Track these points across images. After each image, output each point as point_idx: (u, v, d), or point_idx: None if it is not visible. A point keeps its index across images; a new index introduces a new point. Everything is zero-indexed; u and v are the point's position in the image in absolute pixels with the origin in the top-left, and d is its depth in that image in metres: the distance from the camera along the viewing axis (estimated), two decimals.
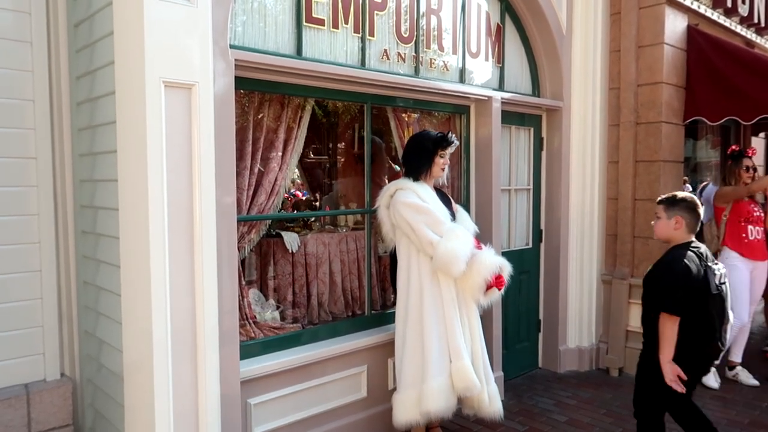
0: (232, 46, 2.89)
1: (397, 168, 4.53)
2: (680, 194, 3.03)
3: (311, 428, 3.39)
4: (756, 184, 4.67)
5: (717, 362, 3.07)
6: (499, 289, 3.32)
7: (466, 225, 3.48)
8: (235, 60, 2.88)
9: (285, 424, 3.27)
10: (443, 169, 3.51)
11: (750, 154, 4.78)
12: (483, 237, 3.75)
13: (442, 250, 3.17)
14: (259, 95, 3.37)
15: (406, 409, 3.26)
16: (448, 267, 3.18)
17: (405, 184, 3.38)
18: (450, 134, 3.47)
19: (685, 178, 6.73)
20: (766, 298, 5.33)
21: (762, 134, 7.08)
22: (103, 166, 2.78)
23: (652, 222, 3.17)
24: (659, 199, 3.11)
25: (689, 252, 2.85)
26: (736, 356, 4.82)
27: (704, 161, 7.06)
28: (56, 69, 2.99)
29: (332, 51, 3.48)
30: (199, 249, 2.56)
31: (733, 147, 4.98)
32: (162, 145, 2.39)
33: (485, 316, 3.58)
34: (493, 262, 3.28)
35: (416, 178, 3.42)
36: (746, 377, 4.76)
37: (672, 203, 2.99)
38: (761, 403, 4.36)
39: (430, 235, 3.21)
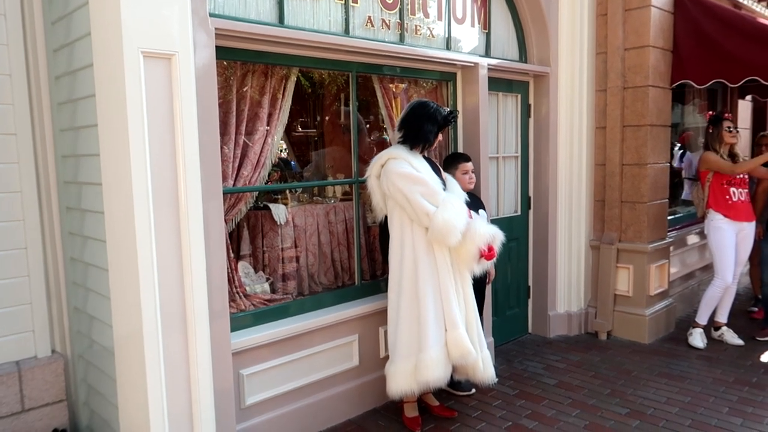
0: (212, 15, 2.83)
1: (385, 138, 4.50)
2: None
3: (305, 397, 3.43)
4: (740, 167, 4.65)
5: None
6: (489, 260, 3.33)
7: (456, 193, 3.47)
8: (216, 29, 2.82)
9: (279, 394, 3.30)
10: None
11: (726, 117, 4.78)
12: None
13: (439, 220, 3.15)
14: (242, 65, 3.31)
15: (401, 379, 3.28)
16: (445, 237, 3.17)
17: (398, 153, 3.31)
18: (453, 112, 3.48)
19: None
20: (752, 260, 5.40)
21: (749, 97, 7.08)
22: (85, 140, 2.74)
23: (471, 178, 3.85)
24: (469, 157, 3.95)
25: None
26: (722, 317, 4.91)
27: (692, 127, 7.09)
28: (32, 42, 2.91)
29: (315, 19, 3.42)
30: (185, 222, 2.54)
31: (710, 113, 5.00)
32: (143, 117, 2.35)
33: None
34: (487, 232, 3.28)
35: (412, 147, 3.36)
36: (731, 337, 4.86)
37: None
38: (745, 362, 4.46)
39: (426, 205, 3.18)
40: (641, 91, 4.76)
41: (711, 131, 4.80)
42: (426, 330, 3.24)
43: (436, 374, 3.23)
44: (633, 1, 4.72)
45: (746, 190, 4.72)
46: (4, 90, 2.83)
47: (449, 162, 3.91)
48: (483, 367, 3.44)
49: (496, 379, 3.61)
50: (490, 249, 3.28)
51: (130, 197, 2.38)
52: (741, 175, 4.70)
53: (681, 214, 6.22)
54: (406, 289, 3.30)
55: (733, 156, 4.72)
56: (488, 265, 3.39)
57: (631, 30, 4.76)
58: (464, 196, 3.51)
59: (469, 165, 3.88)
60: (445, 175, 3.57)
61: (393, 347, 3.36)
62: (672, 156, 6.65)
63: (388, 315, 3.43)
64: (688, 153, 6.62)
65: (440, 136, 3.47)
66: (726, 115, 4.85)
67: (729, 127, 4.69)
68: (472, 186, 3.89)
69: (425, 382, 3.25)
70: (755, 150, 5.83)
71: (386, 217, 3.43)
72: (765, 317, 5.10)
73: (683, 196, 6.59)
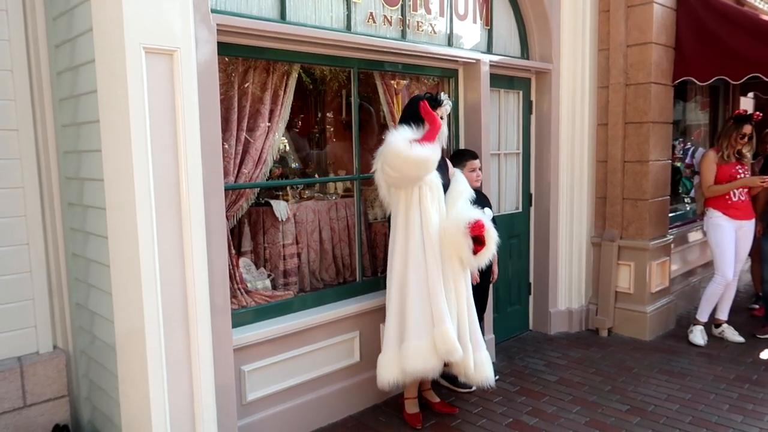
0: (213, 11, 2.83)
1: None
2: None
3: (306, 393, 3.44)
4: (713, 191, 4.65)
5: None
6: (479, 234, 3.21)
7: (461, 188, 3.43)
8: (218, 25, 2.81)
9: (280, 390, 3.31)
10: None
11: (755, 118, 4.71)
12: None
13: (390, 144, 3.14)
14: (244, 61, 3.31)
15: (387, 367, 3.27)
16: (394, 151, 3.11)
17: None
18: (439, 94, 3.35)
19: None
20: (753, 257, 5.40)
21: (751, 94, 7.06)
22: (87, 136, 2.74)
23: (478, 176, 3.81)
24: (477, 154, 3.90)
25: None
26: (723, 314, 4.91)
27: (694, 124, 7.08)
28: (34, 38, 2.91)
29: (317, 15, 3.41)
30: (187, 219, 2.54)
31: (741, 110, 4.93)
32: (145, 113, 2.35)
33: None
34: (465, 215, 3.24)
35: None
36: (732, 334, 4.86)
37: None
38: (746, 359, 4.46)
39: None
40: (643, 88, 4.75)
41: (729, 125, 4.73)
42: (409, 320, 3.22)
43: (418, 364, 3.19)
44: None
45: (746, 190, 4.70)
46: (6, 86, 2.83)
47: (456, 159, 3.89)
48: (475, 368, 3.37)
49: (495, 384, 3.58)
50: (477, 222, 3.21)
51: (132, 193, 2.38)
52: (741, 175, 4.64)
53: (682, 211, 6.22)
54: (397, 279, 3.30)
55: (741, 155, 4.69)
56: (490, 254, 3.31)
57: (633, 26, 4.75)
58: (471, 193, 3.49)
59: (477, 162, 3.85)
60: (453, 170, 3.56)
61: (384, 336, 3.36)
62: (684, 152, 6.68)
63: (386, 305, 3.41)
64: (700, 148, 6.64)
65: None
66: (756, 115, 4.74)
67: (744, 135, 4.62)
68: (479, 183, 3.86)
69: (408, 372, 3.22)
70: (759, 147, 5.82)
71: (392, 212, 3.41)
72: (766, 314, 5.10)
73: (692, 193, 6.60)
